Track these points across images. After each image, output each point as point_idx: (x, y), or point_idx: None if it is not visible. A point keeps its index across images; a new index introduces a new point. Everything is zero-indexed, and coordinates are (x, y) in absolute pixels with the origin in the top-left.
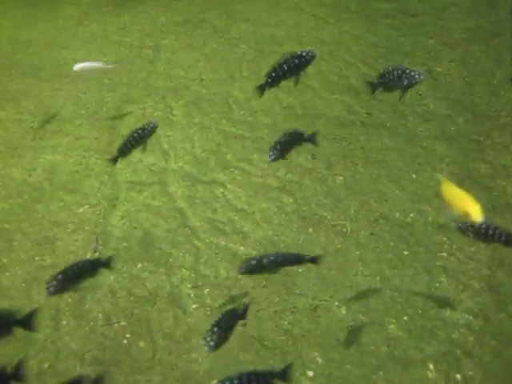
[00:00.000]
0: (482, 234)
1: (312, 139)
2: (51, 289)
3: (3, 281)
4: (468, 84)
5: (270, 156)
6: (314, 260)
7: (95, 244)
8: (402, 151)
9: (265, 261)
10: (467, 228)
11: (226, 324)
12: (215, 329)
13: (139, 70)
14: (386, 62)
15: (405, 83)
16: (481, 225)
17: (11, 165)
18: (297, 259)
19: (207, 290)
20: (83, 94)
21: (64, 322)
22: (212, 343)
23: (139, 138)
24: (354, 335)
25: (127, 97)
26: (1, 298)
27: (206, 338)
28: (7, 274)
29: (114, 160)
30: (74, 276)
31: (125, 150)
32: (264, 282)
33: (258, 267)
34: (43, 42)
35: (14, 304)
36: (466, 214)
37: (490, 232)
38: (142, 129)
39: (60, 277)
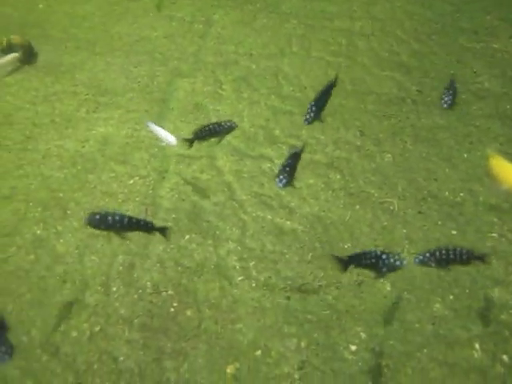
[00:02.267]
0: (444, 260)
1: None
2: None
3: (58, 247)
4: None
5: (280, 181)
6: (163, 230)
7: (145, 215)
8: (454, 130)
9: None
10: (429, 259)
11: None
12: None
13: (190, 44)
14: (439, 39)
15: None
16: (440, 252)
17: (66, 136)
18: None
19: (253, 262)
20: (135, 67)
21: (114, 289)
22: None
23: (214, 132)
24: (398, 312)
25: (178, 71)
26: (56, 263)
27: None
28: (61, 240)
29: (190, 142)
30: None
31: (199, 136)
32: (310, 257)
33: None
34: (97, 16)
35: (67, 269)
36: None
37: (451, 256)
38: (220, 124)
39: None
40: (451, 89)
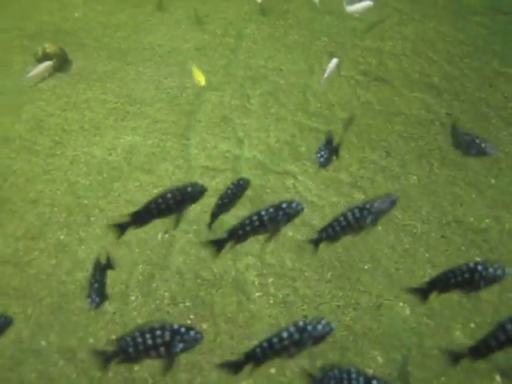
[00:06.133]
0: None
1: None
2: None
3: (79, 253)
4: None
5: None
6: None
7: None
8: None
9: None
10: None
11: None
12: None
13: (220, 57)
14: (471, 62)
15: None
16: None
17: (93, 143)
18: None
19: (272, 279)
20: (165, 78)
21: (132, 298)
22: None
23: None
24: (417, 337)
25: (207, 84)
26: (76, 269)
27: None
28: (83, 247)
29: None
30: None
31: None
32: (329, 276)
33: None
34: (131, 26)
35: (87, 276)
36: None
37: None
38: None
39: None
40: (328, 146)
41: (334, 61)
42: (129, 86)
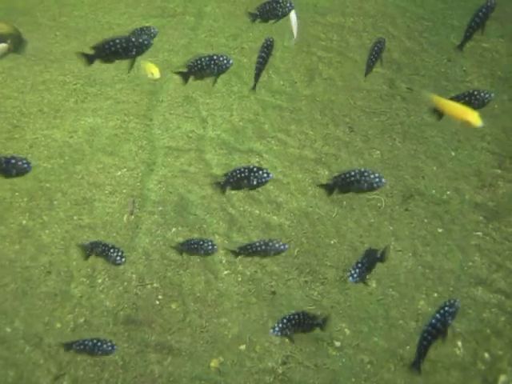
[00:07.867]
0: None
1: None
2: None
3: (43, 237)
4: None
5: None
6: None
7: (131, 207)
8: (442, 127)
9: None
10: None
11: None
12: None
13: (181, 36)
14: (430, 36)
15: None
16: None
17: (54, 126)
18: None
19: (239, 257)
20: None
21: (99, 281)
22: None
23: None
24: (383, 309)
25: (168, 63)
26: (41, 254)
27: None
28: (47, 231)
29: None
30: None
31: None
32: (296, 252)
33: None
34: (88, 5)
35: (52, 260)
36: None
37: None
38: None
39: None
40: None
41: (293, 15)
42: (88, 67)
